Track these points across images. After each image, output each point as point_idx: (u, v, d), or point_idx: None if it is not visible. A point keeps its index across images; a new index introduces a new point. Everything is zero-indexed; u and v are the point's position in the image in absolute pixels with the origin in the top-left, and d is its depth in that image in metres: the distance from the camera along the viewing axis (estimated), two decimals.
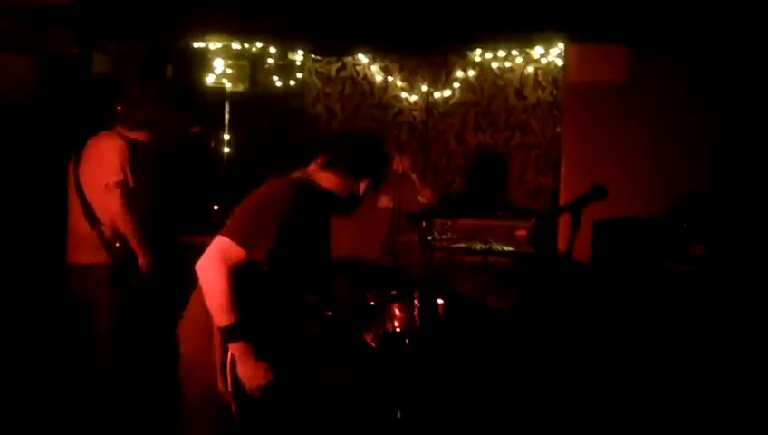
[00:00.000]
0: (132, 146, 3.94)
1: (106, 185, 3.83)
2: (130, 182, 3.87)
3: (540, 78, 6.51)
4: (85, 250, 3.94)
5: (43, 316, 4.55)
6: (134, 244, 3.89)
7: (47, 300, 4.52)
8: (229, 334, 2.54)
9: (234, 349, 2.56)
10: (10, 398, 4.07)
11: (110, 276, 3.90)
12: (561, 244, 4.94)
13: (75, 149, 4.03)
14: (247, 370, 2.56)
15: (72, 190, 3.99)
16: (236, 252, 2.55)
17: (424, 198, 4.51)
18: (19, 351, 4.38)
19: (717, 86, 4.91)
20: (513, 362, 4.39)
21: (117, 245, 3.91)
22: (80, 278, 3.99)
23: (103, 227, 3.89)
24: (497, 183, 6.69)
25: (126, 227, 3.87)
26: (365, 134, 3.20)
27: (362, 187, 2.89)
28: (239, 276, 2.55)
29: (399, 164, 4.52)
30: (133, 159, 3.91)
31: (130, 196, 3.87)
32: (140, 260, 3.91)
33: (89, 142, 4.01)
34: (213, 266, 2.54)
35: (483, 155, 6.74)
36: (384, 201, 4.62)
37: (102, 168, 3.87)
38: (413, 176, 4.54)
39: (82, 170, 3.97)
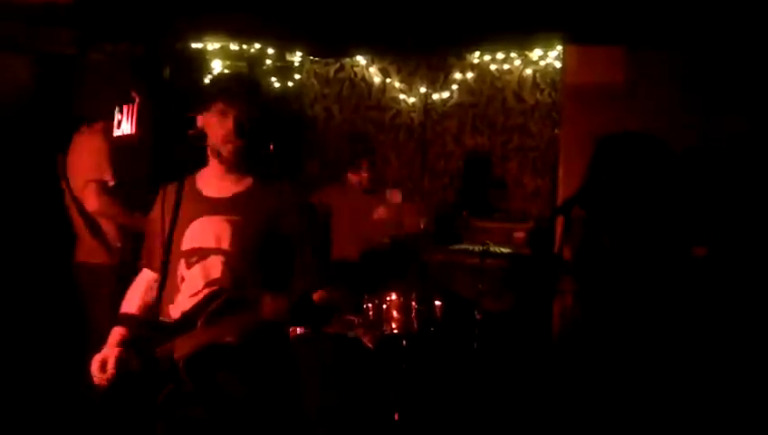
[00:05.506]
0: (120, 143, 3.94)
1: (83, 183, 3.84)
2: (110, 180, 3.85)
3: (538, 80, 6.51)
4: (89, 250, 3.96)
5: (47, 315, 4.53)
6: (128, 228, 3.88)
7: (50, 299, 4.50)
8: None
9: None
10: (13, 394, 4.05)
11: (118, 278, 3.94)
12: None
13: (62, 147, 4.03)
14: None
15: (65, 190, 4.00)
16: None
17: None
18: (21, 349, 4.36)
19: (716, 87, 4.90)
20: (510, 364, 4.38)
21: (118, 245, 3.92)
22: (84, 277, 4.00)
23: (104, 229, 3.90)
24: (495, 185, 6.68)
25: (112, 222, 3.89)
26: None
27: None
28: None
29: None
30: (121, 156, 3.90)
31: (110, 193, 3.85)
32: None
33: (73, 139, 4.01)
34: None
35: (480, 157, 6.73)
36: (380, 212, 4.58)
37: (82, 166, 3.89)
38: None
39: (69, 169, 3.98)
